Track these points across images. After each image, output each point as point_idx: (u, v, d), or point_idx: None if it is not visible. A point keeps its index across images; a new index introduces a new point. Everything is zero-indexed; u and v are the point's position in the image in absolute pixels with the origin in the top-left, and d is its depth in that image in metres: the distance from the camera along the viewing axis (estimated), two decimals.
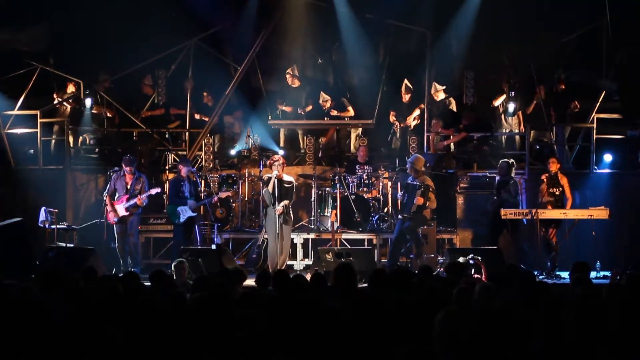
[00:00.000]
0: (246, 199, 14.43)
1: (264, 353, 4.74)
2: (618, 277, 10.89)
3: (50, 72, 15.26)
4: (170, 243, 13.31)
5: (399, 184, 13.63)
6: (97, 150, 15.20)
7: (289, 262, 13.17)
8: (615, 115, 14.80)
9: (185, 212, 12.74)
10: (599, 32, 14.88)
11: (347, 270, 7.04)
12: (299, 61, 16.16)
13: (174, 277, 9.30)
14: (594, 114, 14.60)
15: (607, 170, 14.50)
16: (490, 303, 5.82)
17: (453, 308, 5.02)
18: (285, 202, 12.40)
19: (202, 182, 14.16)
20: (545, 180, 12.93)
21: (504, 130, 15.12)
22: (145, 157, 15.26)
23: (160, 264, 12.75)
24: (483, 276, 10.13)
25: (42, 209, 13.08)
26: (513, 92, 14.60)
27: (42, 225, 13.04)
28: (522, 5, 15.33)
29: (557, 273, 12.30)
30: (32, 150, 14.90)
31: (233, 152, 15.41)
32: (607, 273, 11.98)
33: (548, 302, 5.71)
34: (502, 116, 15.03)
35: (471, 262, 10.52)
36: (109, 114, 15.35)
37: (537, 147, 15.09)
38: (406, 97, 15.37)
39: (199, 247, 12.72)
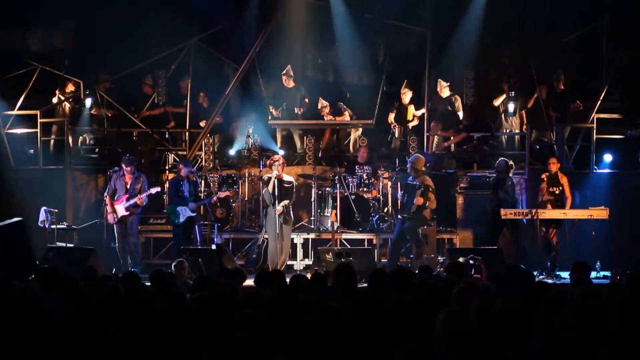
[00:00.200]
0: (246, 199, 14.43)
1: (264, 353, 4.74)
2: (618, 277, 10.87)
3: (50, 72, 15.26)
4: (170, 243, 13.31)
5: (398, 184, 13.63)
6: (96, 150, 15.22)
7: (289, 262, 13.17)
8: (615, 115, 14.81)
9: (185, 212, 12.74)
10: (599, 32, 14.88)
11: (347, 270, 7.04)
12: (299, 61, 16.15)
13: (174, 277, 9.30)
14: (594, 114, 14.61)
15: (607, 170, 14.49)
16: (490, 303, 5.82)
17: (453, 308, 5.02)
18: (285, 202, 12.41)
19: (202, 182, 14.15)
20: (545, 179, 12.94)
21: (504, 130, 15.13)
22: (145, 157, 15.26)
23: (160, 264, 12.76)
24: (483, 276, 10.11)
25: (42, 209, 13.08)
26: (513, 92, 14.60)
27: (42, 225, 13.04)
28: (523, 6, 15.35)
29: (557, 273, 12.29)
30: (32, 151, 14.89)
31: (233, 152, 15.41)
32: (607, 273, 11.97)
33: (548, 302, 5.71)
34: (502, 116, 15.04)
35: (471, 262, 10.50)
36: (108, 114, 15.35)
37: (537, 147, 15.09)
38: (406, 98, 15.37)
39: (199, 247, 12.70)
